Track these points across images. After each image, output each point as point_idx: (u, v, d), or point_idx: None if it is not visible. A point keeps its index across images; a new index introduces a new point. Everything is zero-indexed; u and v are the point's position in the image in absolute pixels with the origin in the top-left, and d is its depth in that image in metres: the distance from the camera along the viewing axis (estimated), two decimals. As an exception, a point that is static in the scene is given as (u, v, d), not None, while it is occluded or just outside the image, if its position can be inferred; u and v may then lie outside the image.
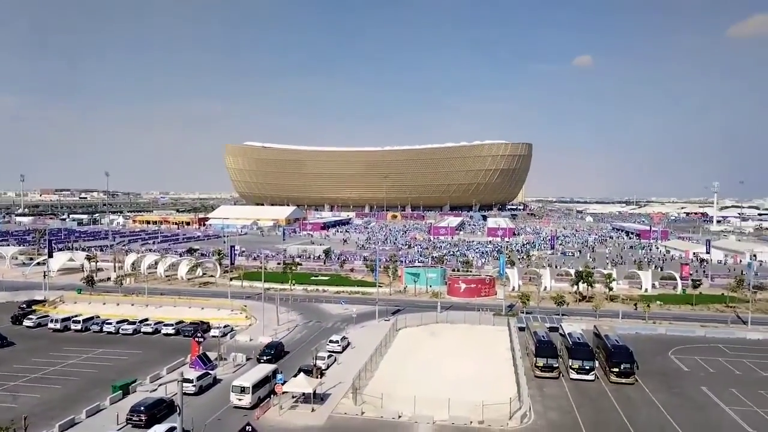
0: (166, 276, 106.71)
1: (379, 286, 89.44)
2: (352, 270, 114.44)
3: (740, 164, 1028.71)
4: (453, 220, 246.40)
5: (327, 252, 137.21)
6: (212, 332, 66.09)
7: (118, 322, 69.28)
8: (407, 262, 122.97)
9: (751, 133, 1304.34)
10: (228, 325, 68.97)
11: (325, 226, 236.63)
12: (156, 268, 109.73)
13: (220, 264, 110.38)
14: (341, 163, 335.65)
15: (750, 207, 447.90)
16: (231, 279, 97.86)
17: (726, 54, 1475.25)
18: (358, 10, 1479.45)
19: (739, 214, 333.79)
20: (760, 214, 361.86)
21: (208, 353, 56.12)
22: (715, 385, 50.40)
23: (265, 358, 56.01)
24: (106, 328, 68.18)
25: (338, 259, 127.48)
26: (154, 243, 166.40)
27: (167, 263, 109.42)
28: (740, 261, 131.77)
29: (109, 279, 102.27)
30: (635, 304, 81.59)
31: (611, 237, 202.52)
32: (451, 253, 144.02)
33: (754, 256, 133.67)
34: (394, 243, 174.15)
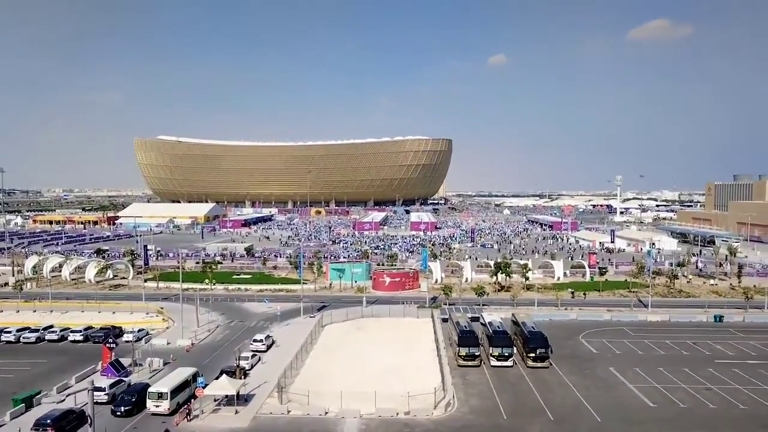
0: (73, 279, 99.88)
1: (304, 283, 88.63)
2: (275, 267, 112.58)
3: (640, 159, 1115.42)
4: (377, 215, 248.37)
5: (249, 250, 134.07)
6: (125, 337, 62.68)
7: (18, 330, 63.93)
8: (332, 258, 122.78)
9: (650, 129, 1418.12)
10: (143, 329, 65.69)
11: (247, 223, 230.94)
12: (60, 271, 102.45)
13: (133, 265, 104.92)
14: (262, 158, 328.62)
15: (649, 199, 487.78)
16: (145, 280, 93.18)
17: (627, 54, 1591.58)
18: None
19: (639, 205, 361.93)
20: (657, 206, 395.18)
21: (121, 359, 53.20)
22: (620, 365, 54.44)
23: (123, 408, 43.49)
24: (4, 337, 62.67)
25: (261, 256, 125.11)
26: (57, 244, 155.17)
27: (73, 266, 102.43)
28: (641, 249, 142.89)
29: (6, 284, 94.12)
30: (572, 292, 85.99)
31: (527, 229, 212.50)
32: (376, 247, 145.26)
33: (653, 244, 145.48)
34: (319, 239, 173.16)
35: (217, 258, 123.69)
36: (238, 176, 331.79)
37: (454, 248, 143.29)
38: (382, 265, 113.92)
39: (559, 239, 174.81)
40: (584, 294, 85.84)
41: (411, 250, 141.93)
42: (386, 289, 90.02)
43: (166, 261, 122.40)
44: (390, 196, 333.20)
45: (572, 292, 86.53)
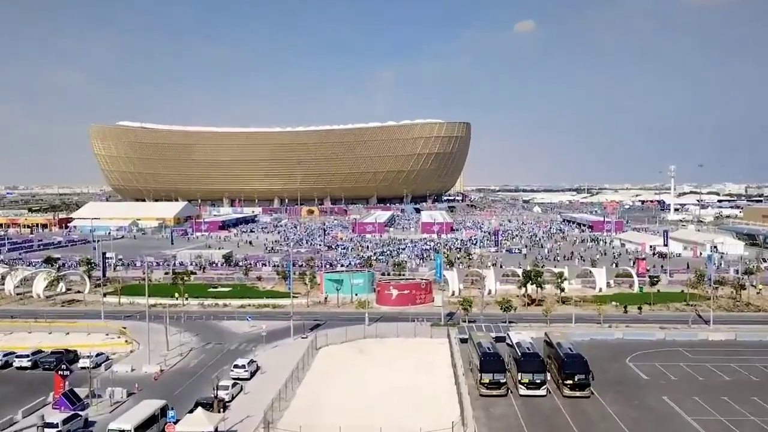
0: (18, 294, 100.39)
1: (294, 297, 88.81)
2: (259, 278, 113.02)
3: (699, 146, 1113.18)
4: (381, 215, 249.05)
5: (228, 257, 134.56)
6: (81, 363, 62.92)
7: (-49, 356, 64.23)
8: (328, 266, 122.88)
9: (710, 109, 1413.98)
10: (102, 353, 65.93)
11: (225, 226, 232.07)
12: (3, 284, 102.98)
13: (90, 276, 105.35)
14: (243, 147, 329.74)
15: (710, 193, 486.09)
16: (105, 295, 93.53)
17: (684, 21, 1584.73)
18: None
19: (698, 201, 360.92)
20: (719, 201, 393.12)
21: (76, 390, 53.39)
22: (676, 393, 54.21)
23: None
24: (-66, 364, 63.00)
25: (242, 265, 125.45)
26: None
27: (18, 277, 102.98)
28: (700, 254, 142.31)
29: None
30: (625, 307, 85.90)
31: (561, 230, 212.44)
32: (381, 253, 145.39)
33: (715, 247, 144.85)
34: (312, 244, 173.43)
35: (190, 268, 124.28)
36: (215, 169, 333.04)
37: (475, 254, 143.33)
38: (388, 274, 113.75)
39: (601, 242, 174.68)
40: (638, 309, 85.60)
41: (422, 256, 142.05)
42: (393, 303, 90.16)
43: (130, 271, 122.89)
44: (397, 192, 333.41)
45: (624, 307, 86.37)
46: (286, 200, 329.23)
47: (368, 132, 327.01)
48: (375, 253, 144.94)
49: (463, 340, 68.82)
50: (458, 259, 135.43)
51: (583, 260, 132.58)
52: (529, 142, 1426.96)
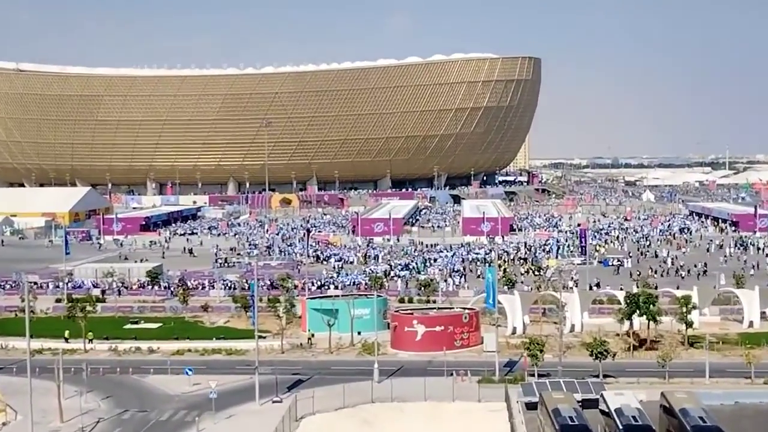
0: None
1: (261, 338, 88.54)
2: (205, 308, 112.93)
3: None
4: (398, 206, 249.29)
5: (155, 275, 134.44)
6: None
7: None
8: (314, 288, 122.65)
9: None
10: (-42, 427, 66.24)
11: (151, 225, 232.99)
12: None
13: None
14: (180, 100, 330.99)
15: None
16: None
17: None
18: None
19: None
20: None
21: None
22: None
23: None
24: None
25: (178, 287, 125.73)
26: None
27: None
28: None
29: None
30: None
31: (687, 229, 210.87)
32: (398, 267, 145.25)
33: None
34: (289, 253, 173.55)
35: (97, 291, 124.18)
36: (134, 135, 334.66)
37: (549, 268, 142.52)
38: (410, 300, 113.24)
39: (752, 248, 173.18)
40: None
41: (464, 272, 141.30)
42: (418, 346, 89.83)
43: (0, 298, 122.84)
44: (422, 170, 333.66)
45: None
46: (248, 184, 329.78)
47: (377, 74, 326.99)
48: (391, 267, 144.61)
49: (531, 406, 68.37)
50: (522, 276, 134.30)
51: (724, 277, 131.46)
52: (636, 89, 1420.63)
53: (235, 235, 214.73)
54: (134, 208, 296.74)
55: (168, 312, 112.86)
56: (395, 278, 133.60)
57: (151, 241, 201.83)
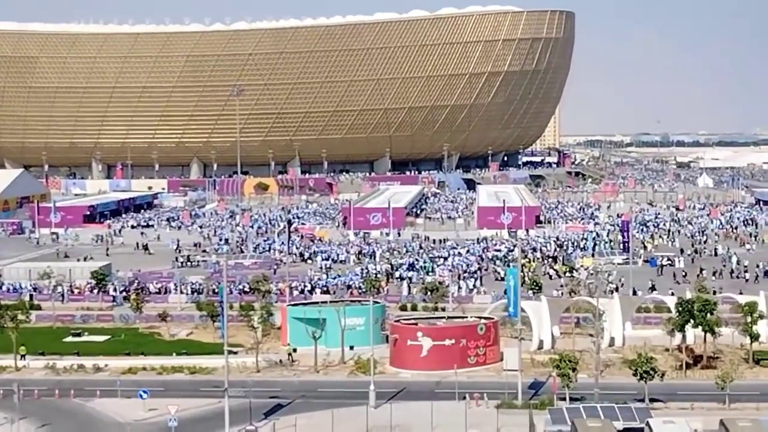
0: None
1: (232, 353, 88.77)
2: (164, 316, 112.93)
3: None
4: (400, 193, 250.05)
5: (102, 276, 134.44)
6: None
7: None
8: (297, 292, 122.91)
9: None
10: None
11: (96, 215, 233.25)
12: None
13: None
14: (132, 62, 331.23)
15: None
16: None
17: None
18: None
19: None
20: None
21: None
22: None
23: None
24: None
25: (130, 290, 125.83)
26: None
27: None
28: None
29: None
30: None
31: (753, 221, 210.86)
32: (400, 266, 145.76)
33: None
34: (266, 249, 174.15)
35: (27, 296, 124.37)
36: (76, 106, 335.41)
37: (583, 268, 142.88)
38: (413, 308, 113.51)
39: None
40: None
41: (479, 273, 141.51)
42: (423, 364, 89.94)
43: None
44: (429, 149, 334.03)
45: None
46: (215, 166, 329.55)
47: (374, 32, 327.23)
48: (392, 267, 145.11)
49: (561, 437, 68.75)
50: (551, 278, 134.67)
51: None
52: (691, 50, 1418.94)
53: (200, 228, 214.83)
54: (76, 194, 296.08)
55: (117, 322, 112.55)
56: (394, 280, 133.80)
57: (97, 235, 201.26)
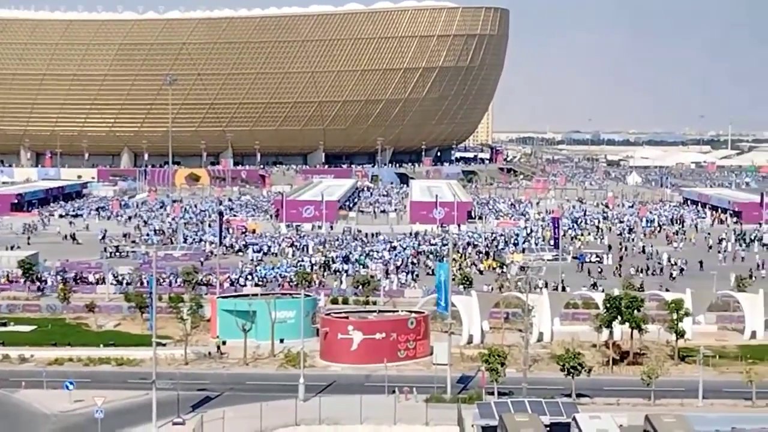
0: None
1: (161, 345, 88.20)
2: (91, 307, 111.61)
3: None
4: (333, 186, 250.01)
5: (29, 266, 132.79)
6: None
7: None
8: (227, 284, 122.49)
9: None
10: None
11: (24, 204, 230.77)
12: None
13: None
14: (63, 50, 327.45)
15: None
16: None
17: None
18: None
19: None
20: None
21: None
22: None
23: None
24: None
25: (58, 280, 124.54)
26: None
27: None
28: None
29: None
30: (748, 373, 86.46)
31: (680, 219, 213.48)
32: (339, 259, 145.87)
33: None
34: (196, 241, 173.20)
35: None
36: (4, 93, 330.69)
37: (513, 264, 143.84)
38: (345, 301, 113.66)
39: (756, 243, 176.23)
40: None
41: (411, 267, 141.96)
42: (354, 358, 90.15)
43: None
44: (363, 143, 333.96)
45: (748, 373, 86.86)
46: (146, 156, 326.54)
47: (309, 24, 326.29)
48: (325, 259, 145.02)
49: (489, 430, 68.88)
50: (481, 273, 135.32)
51: (723, 278, 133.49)
52: (622, 51, 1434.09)
53: (130, 218, 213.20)
54: (3, 183, 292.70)
55: (44, 312, 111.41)
56: (326, 274, 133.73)
57: (24, 224, 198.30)
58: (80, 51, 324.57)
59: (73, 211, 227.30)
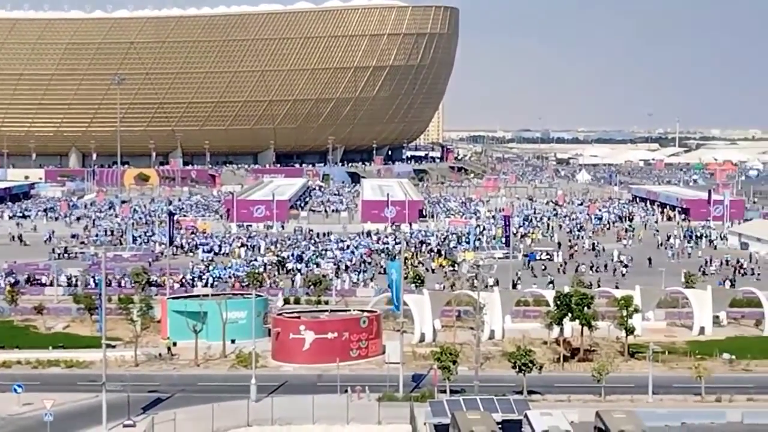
0: None
1: (110, 347, 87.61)
2: (40, 309, 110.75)
3: None
4: (284, 185, 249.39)
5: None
6: None
7: None
8: (177, 286, 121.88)
9: None
10: None
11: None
12: None
13: None
14: (9, 49, 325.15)
15: None
16: None
17: None
18: None
19: None
20: None
21: None
22: None
23: None
24: None
25: (5, 283, 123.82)
26: None
27: None
28: None
29: None
30: (747, 364, 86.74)
31: (629, 217, 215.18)
32: (292, 259, 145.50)
33: None
34: (146, 242, 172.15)
35: None
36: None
37: (465, 262, 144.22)
38: (296, 301, 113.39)
39: (704, 240, 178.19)
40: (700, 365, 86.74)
41: (362, 266, 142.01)
42: (306, 357, 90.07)
43: None
44: (314, 142, 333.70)
45: (747, 363, 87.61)
46: (95, 156, 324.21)
47: (258, 23, 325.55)
48: (273, 260, 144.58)
49: (441, 428, 69.06)
50: (433, 271, 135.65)
51: (669, 275, 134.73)
52: (571, 50, 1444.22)
53: (78, 219, 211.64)
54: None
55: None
56: (277, 275, 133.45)
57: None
58: (27, 50, 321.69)
59: (21, 212, 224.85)
